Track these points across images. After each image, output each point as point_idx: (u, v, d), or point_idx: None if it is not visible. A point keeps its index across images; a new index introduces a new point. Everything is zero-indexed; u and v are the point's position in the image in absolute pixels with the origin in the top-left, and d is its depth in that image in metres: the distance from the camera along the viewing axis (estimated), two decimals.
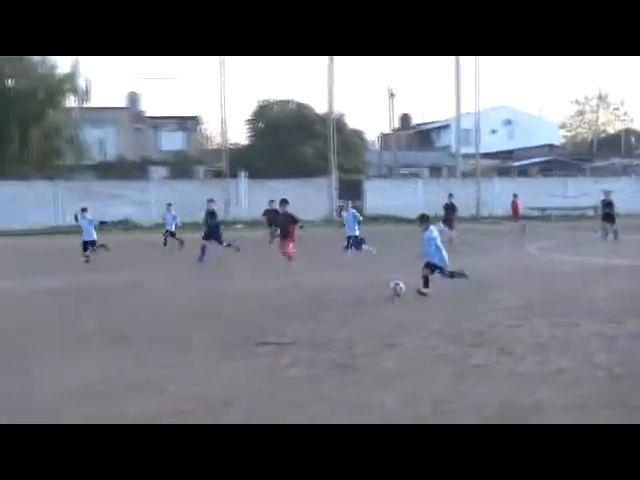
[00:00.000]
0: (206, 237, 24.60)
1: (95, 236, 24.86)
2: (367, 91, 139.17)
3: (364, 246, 24.45)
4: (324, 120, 56.21)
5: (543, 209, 50.59)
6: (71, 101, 53.84)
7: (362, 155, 63.61)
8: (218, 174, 54.33)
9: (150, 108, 67.50)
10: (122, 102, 66.43)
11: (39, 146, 51.08)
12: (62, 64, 53.48)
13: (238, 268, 21.83)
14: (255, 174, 51.18)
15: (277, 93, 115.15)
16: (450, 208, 31.41)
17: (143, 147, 62.85)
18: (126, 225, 45.68)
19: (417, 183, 55.42)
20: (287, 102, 63.25)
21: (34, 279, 19.80)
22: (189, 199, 45.91)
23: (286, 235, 20.93)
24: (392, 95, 69.59)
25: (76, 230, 28.33)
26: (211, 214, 25.25)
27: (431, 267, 15.06)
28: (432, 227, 15.42)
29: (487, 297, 14.94)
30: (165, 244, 30.12)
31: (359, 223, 24.67)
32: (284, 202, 21.43)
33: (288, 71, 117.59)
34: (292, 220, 20.89)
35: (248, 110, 64.38)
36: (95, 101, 55.70)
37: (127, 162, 58.98)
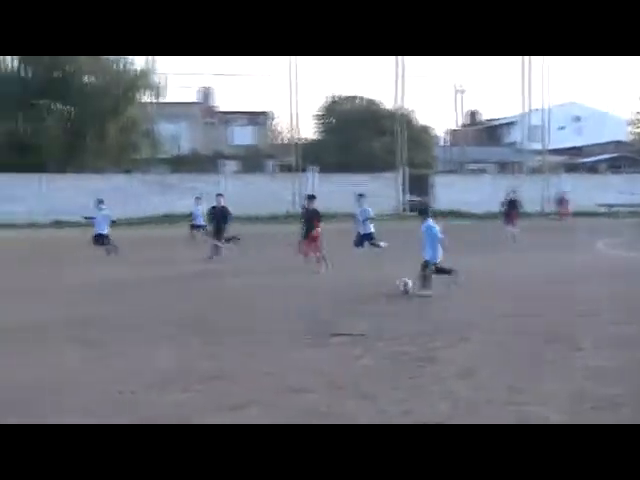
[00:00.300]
0: (213, 234, 23.16)
1: (106, 230, 24.44)
2: (435, 87, 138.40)
3: (366, 244, 22.73)
4: (393, 116, 56.13)
5: (611, 206, 49.89)
6: (146, 96, 54.53)
7: (430, 150, 63.45)
8: (288, 168, 54.59)
9: (222, 103, 68.17)
10: (195, 97, 67.07)
11: (116, 140, 51.82)
12: (138, 61, 54.24)
13: (296, 261, 21.67)
14: (325, 168, 51.36)
15: (346, 89, 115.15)
16: (512, 204, 30.15)
17: (215, 141, 63.41)
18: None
19: (485, 178, 55.04)
20: (356, 98, 63.40)
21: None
22: (259, 192, 46.34)
23: (310, 234, 19.63)
24: (460, 91, 69.20)
25: (157, 221, 28.74)
26: (214, 209, 23.45)
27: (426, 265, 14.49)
28: (431, 220, 14.74)
29: (555, 293, 14.89)
30: (193, 237, 30.06)
31: (371, 219, 22.60)
32: (312, 198, 20.59)
33: (357, 67, 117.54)
34: (318, 217, 19.79)
35: (317, 105, 64.60)
36: (169, 96, 56.40)
37: (200, 156, 59.59)
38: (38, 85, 49.77)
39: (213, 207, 23.60)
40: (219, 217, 23.07)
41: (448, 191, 51.23)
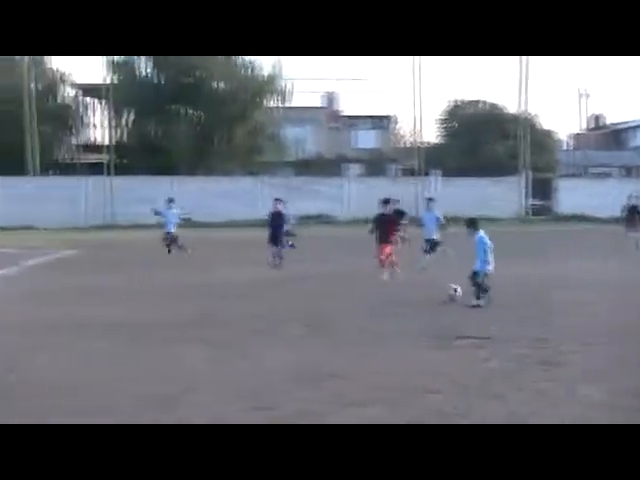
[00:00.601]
0: (270, 240, 21.69)
1: (173, 229, 24.50)
2: (559, 90, 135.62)
3: (439, 248, 21.28)
4: (516, 120, 55.32)
5: None
6: (273, 101, 55.27)
7: (553, 154, 62.29)
8: (410, 172, 54.43)
9: (346, 108, 68.34)
10: (320, 102, 67.56)
11: (243, 144, 52.76)
12: (265, 66, 55.04)
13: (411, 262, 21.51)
14: (447, 172, 51.03)
15: (469, 93, 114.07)
16: (633, 209, 28.70)
17: (339, 145, 63.71)
18: (322, 219, 46.47)
19: (610, 182, 53.62)
20: (478, 102, 62.79)
21: (240, 269, 20.55)
22: (382, 195, 46.22)
23: (386, 239, 18.23)
24: (584, 95, 67.70)
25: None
26: (274, 215, 22.20)
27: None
28: (482, 232, 14.26)
29: None
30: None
31: (441, 226, 21.32)
32: (387, 202, 19.09)
33: (480, 71, 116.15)
34: (394, 222, 18.60)
35: (440, 109, 64.23)
36: (295, 101, 56.98)
37: (324, 159, 60.00)
38: (170, 91, 51.13)
39: (271, 213, 22.42)
40: (275, 223, 21.95)
41: (571, 195, 50.13)
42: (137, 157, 51.15)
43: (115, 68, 52.04)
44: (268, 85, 54.26)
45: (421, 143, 56.57)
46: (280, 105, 55.38)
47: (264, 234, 21.77)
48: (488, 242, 14.08)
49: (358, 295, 15.50)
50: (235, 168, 51.94)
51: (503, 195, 49.05)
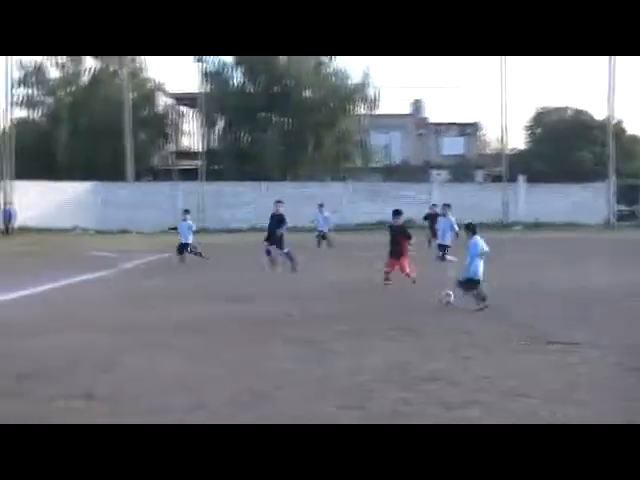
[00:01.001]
0: (267, 239, 21.46)
1: (190, 239, 24.19)
2: None
3: (447, 257, 20.93)
4: (602, 126, 54.26)
5: None
6: (360, 109, 55.33)
7: None
8: (496, 178, 53.84)
9: (433, 115, 67.91)
10: (407, 109, 67.34)
11: (331, 150, 53.00)
12: (354, 74, 55.16)
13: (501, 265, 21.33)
14: (533, 178, 50.32)
15: (555, 99, 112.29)
16: None
17: (425, 151, 63.45)
18: (408, 225, 46.18)
19: None
20: (565, 109, 61.81)
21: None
22: (469, 201, 45.93)
23: (397, 251, 17.14)
24: None
25: (369, 228, 28.95)
26: (274, 217, 21.68)
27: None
28: (478, 237, 14.03)
29: None
30: (319, 245, 29.85)
31: (456, 234, 20.58)
32: (397, 214, 17.68)
33: (566, 77, 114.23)
34: (405, 234, 17.16)
35: (525, 116, 63.43)
36: (382, 108, 56.93)
37: (410, 165, 59.83)
38: (260, 99, 51.71)
39: (271, 215, 21.96)
40: (273, 225, 21.49)
41: None
42: (228, 163, 51.86)
43: (208, 78, 52.79)
44: (356, 93, 54.41)
45: (507, 149, 55.90)
46: (368, 112, 55.40)
47: (355, 238, 21.65)
48: (484, 248, 13.89)
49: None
50: (323, 174, 52.17)
51: (589, 201, 48.20)
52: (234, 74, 54.32)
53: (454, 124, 66.67)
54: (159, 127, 56.92)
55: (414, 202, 47.87)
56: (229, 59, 53.56)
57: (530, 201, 48.42)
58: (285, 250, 21.35)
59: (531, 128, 62.33)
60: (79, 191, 46.23)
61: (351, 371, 8.82)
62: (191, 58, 50.79)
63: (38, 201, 44.75)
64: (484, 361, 9.35)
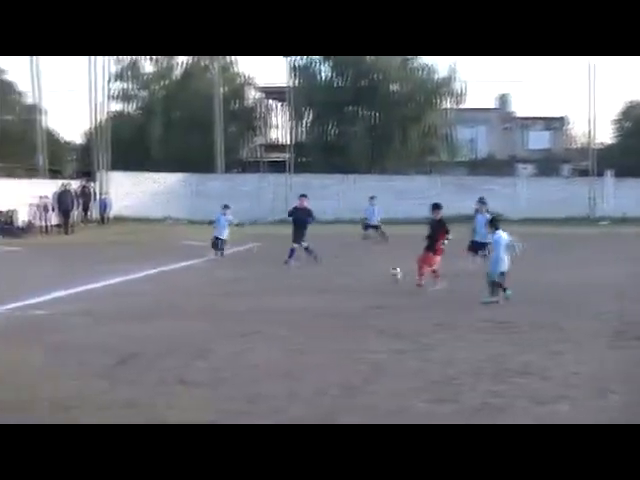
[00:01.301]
0: (295, 239, 20.81)
1: (225, 235, 23.80)
2: None
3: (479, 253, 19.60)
4: None
5: None
6: (446, 103, 54.87)
7: None
8: (583, 172, 52.81)
9: (519, 109, 66.92)
10: (492, 103, 66.54)
11: (416, 144, 52.69)
12: (440, 69, 54.77)
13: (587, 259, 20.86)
14: (621, 173, 49.17)
15: None
16: None
17: (511, 145, 62.62)
18: (499, 218, 45.75)
19: None
20: None
21: None
22: (555, 196, 45.23)
23: (432, 246, 15.99)
24: None
25: (455, 220, 28.58)
26: (299, 210, 21.16)
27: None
28: (501, 232, 14.11)
29: None
30: (366, 237, 29.30)
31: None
32: (436, 207, 16.65)
33: None
34: (444, 229, 16.12)
35: (613, 110, 62.03)
36: (468, 102, 56.36)
37: (495, 160, 59.11)
38: (348, 93, 51.65)
39: (295, 208, 21.55)
40: (298, 219, 21.02)
41: None
42: (315, 156, 51.97)
43: (296, 72, 53.01)
44: (443, 87, 53.90)
45: (594, 144, 54.77)
46: (454, 106, 54.93)
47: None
48: (506, 241, 13.91)
49: (539, 292, 15.09)
50: (408, 167, 51.91)
51: None
52: (322, 68, 54.35)
53: (540, 118, 65.64)
54: (248, 120, 57.34)
55: (499, 196, 47.39)
56: None
57: (618, 196, 47.30)
58: (304, 244, 20.81)
59: (619, 122, 60.93)
60: (171, 182, 46.94)
61: (443, 364, 8.79)
62: None
63: (132, 191, 45.62)
64: (575, 356, 9.22)
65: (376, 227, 29.67)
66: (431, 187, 47.27)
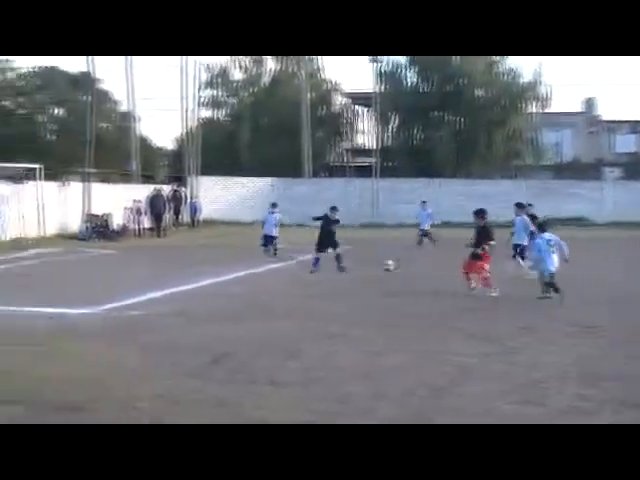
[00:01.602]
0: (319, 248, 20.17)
1: (275, 233, 23.84)
2: None
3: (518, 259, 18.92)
4: None
5: None
6: (532, 107, 54.14)
7: None
8: None
9: (605, 112, 65.56)
10: (578, 107, 65.39)
11: (501, 148, 52.14)
12: (525, 73, 54.05)
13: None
14: None
15: None
16: None
17: (597, 149, 61.42)
18: (580, 222, 44.96)
19: None
20: None
21: None
22: None
23: (476, 253, 15.60)
24: None
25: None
26: (327, 218, 20.50)
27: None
28: (547, 234, 14.57)
29: None
30: (419, 243, 28.63)
31: (531, 233, 18.00)
32: (480, 213, 16.15)
33: None
34: (487, 235, 15.63)
35: None
36: (553, 106, 55.50)
37: (581, 163, 58.07)
38: (433, 98, 51.45)
39: (326, 216, 20.58)
40: (324, 227, 20.29)
41: None
42: (401, 160, 51.87)
43: (382, 77, 52.97)
44: (528, 91, 53.23)
45: None
46: (539, 110, 54.17)
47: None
48: (551, 243, 14.30)
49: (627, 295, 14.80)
50: (493, 172, 51.41)
51: None
52: (407, 74, 54.25)
53: (627, 121, 64.22)
54: (335, 125, 57.56)
55: (585, 199, 46.54)
56: (403, 59, 53.58)
57: None
58: (317, 255, 20.18)
59: None
60: (259, 186, 47.40)
61: (529, 367, 8.72)
62: (366, 58, 51.10)
63: (221, 195, 46.28)
64: None
65: (425, 232, 29.12)
66: (516, 191, 46.61)
